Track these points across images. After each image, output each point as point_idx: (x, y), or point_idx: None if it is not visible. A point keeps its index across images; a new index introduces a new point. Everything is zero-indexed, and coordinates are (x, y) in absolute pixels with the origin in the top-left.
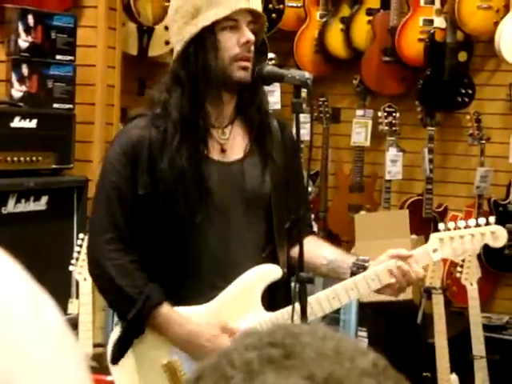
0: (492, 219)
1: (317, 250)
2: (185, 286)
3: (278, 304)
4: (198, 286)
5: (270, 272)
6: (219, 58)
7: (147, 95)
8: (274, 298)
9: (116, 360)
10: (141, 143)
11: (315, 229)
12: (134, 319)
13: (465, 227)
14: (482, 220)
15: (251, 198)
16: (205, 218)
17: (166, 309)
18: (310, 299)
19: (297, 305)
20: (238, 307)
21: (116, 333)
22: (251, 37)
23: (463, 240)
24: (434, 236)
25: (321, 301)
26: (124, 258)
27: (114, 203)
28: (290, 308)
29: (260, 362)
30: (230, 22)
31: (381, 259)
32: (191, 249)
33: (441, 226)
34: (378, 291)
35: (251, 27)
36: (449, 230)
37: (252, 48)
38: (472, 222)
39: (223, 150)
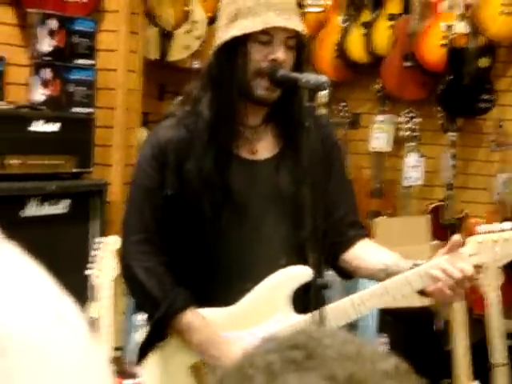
0: None
1: (374, 254)
2: (212, 287)
3: (312, 307)
4: (226, 288)
5: (299, 274)
6: (245, 70)
7: (185, 89)
8: (308, 300)
9: (140, 361)
10: (169, 144)
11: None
12: (157, 323)
13: (501, 230)
14: None
15: (280, 198)
16: (231, 218)
17: (189, 314)
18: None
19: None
20: (264, 309)
21: (142, 334)
22: (281, 56)
23: (506, 243)
24: (472, 239)
25: (371, 296)
26: (153, 260)
27: (144, 205)
28: (315, 313)
29: (282, 364)
30: (264, 37)
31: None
32: (218, 250)
33: (482, 228)
34: (429, 295)
35: (289, 43)
36: (490, 232)
37: (284, 65)
38: (508, 225)
39: (254, 150)
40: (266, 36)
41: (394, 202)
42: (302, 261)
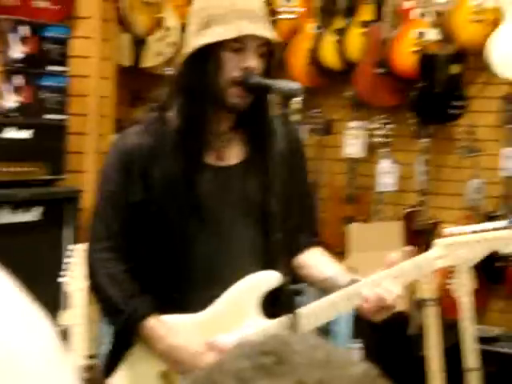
0: (503, 223)
1: (318, 264)
2: (180, 294)
3: (281, 313)
4: (194, 295)
5: (267, 279)
6: (218, 78)
7: (150, 97)
8: (277, 305)
9: (108, 372)
10: (135, 150)
11: None
12: (121, 331)
13: (472, 232)
14: (489, 224)
15: (247, 204)
16: (198, 225)
17: (152, 322)
18: (304, 310)
19: (285, 317)
20: (233, 316)
21: (107, 344)
22: (252, 64)
23: (471, 246)
24: (439, 242)
25: (308, 315)
26: (116, 267)
27: (108, 212)
28: (276, 321)
29: (252, 370)
30: (236, 44)
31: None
32: (185, 257)
33: (446, 231)
34: (361, 312)
35: (261, 50)
36: (454, 235)
37: (255, 73)
38: (480, 226)
39: (221, 156)
40: (238, 44)
41: (367, 208)
42: (270, 266)
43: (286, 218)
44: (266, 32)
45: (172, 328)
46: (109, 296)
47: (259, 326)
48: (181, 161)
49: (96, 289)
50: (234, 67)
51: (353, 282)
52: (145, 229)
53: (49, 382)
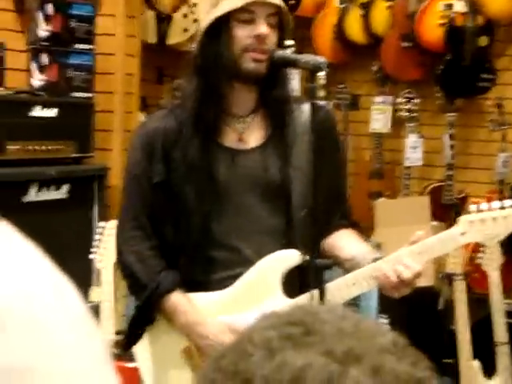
0: None
1: (345, 244)
2: (202, 273)
3: (303, 289)
4: (215, 275)
5: (287, 257)
6: (231, 49)
7: (175, 84)
8: (301, 284)
9: (128, 345)
10: (156, 133)
11: None
12: (143, 306)
13: (499, 208)
14: None
15: (266, 186)
16: (216, 207)
17: (175, 297)
18: (329, 286)
19: (315, 292)
20: (254, 294)
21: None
22: (264, 30)
23: (496, 222)
24: (463, 218)
25: (331, 291)
26: (141, 245)
27: (133, 193)
28: (307, 295)
29: (279, 340)
30: (245, 15)
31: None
32: (205, 238)
33: (472, 207)
34: (382, 289)
35: (271, 20)
36: (480, 211)
37: (268, 41)
38: (508, 202)
39: (241, 139)
40: (247, 14)
41: (394, 183)
42: (291, 246)
43: (310, 198)
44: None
45: (194, 304)
46: (134, 272)
47: (281, 305)
48: (198, 143)
49: (122, 266)
50: (245, 36)
51: (376, 260)
52: (168, 209)
53: (79, 355)
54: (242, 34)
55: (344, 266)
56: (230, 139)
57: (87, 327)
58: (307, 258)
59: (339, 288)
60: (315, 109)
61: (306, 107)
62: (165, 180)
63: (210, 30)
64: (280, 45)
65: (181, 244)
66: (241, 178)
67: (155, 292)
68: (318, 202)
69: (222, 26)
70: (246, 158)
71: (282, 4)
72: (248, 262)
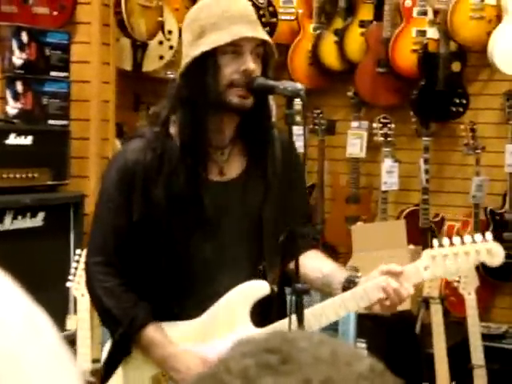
0: (489, 236)
1: (314, 263)
2: (177, 304)
3: (273, 320)
4: (191, 304)
5: (257, 288)
6: (217, 83)
7: (151, 110)
8: (268, 313)
9: (106, 378)
10: (135, 167)
11: None
12: (120, 341)
13: (460, 244)
14: (478, 237)
15: (247, 215)
16: (201, 239)
17: (149, 331)
18: (313, 309)
19: (292, 317)
20: (224, 323)
21: (106, 351)
22: (251, 66)
23: (457, 258)
24: (426, 253)
25: (308, 317)
26: (112, 281)
27: (107, 228)
28: (282, 322)
29: (257, 368)
30: (232, 48)
31: (372, 275)
32: (185, 269)
33: (435, 242)
34: (369, 308)
35: (257, 51)
36: (442, 246)
37: (254, 75)
38: (468, 238)
39: (222, 171)
40: (234, 47)
41: (371, 208)
42: (263, 273)
43: (282, 223)
44: (260, 33)
45: (168, 337)
46: (106, 308)
47: (250, 334)
48: (185, 176)
49: (94, 301)
50: (232, 71)
51: (350, 276)
52: (144, 243)
53: (52, 379)
54: (229, 69)
55: (314, 285)
56: (211, 172)
57: (60, 357)
58: (275, 288)
59: (324, 311)
60: (283, 139)
61: (276, 136)
62: (143, 216)
63: (196, 62)
64: (265, 74)
65: (156, 276)
66: (224, 210)
67: (130, 327)
68: (291, 227)
69: (207, 60)
70: (228, 190)
71: (267, 37)
72: (222, 291)
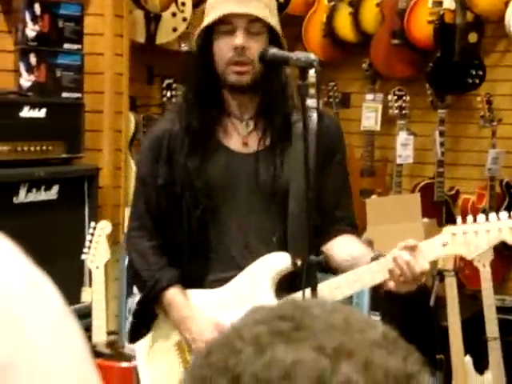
0: None
1: (346, 247)
2: (201, 273)
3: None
4: (212, 275)
5: (279, 260)
6: (216, 62)
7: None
8: (292, 289)
9: (132, 340)
10: (163, 136)
11: None
12: (143, 301)
13: (485, 221)
14: (503, 214)
15: (265, 190)
16: (221, 209)
17: (171, 293)
18: (330, 282)
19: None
20: (245, 294)
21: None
22: (239, 42)
23: (477, 236)
24: (446, 229)
25: (322, 291)
26: (144, 244)
27: (139, 194)
28: (297, 294)
29: (269, 335)
30: (225, 27)
31: (392, 253)
32: (207, 239)
33: (458, 220)
34: (385, 285)
35: (253, 28)
36: (465, 223)
37: (248, 52)
38: (493, 216)
39: (244, 143)
40: (227, 26)
41: (385, 181)
42: (284, 250)
43: (308, 203)
44: (251, 9)
45: (188, 300)
46: (136, 269)
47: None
48: (203, 146)
49: (130, 264)
50: (226, 50)
51: (376, 256)
52: (170, 209)
53: (57, 352)
54: (223, 48)
55: (343, 268)
56: (233, 142)
57: (65, 323)
58: (299, 261)
59: (340, 284)
60: (323, 123)
61: (313, 115)
62: (169, 182)
63: (201, 41)
64: (277, 47)
65: (182, 244)
66: (241, 181)
67: (153, 288)
68: (316, 208)
69: (207, 39)
70: (247, 161)
71: (263, 13)
72: (241, 265)
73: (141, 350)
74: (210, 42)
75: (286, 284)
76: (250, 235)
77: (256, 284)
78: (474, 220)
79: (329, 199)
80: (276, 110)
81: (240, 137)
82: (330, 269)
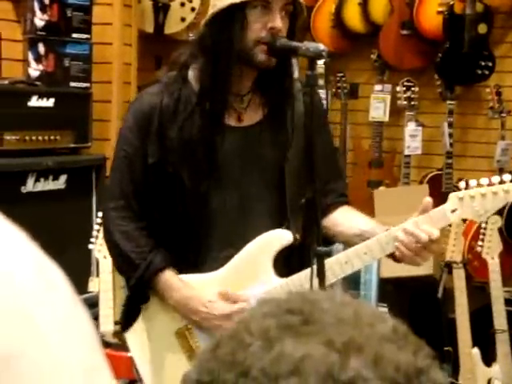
0: None
1: (351, 220)
2: (195, 254)
3: (294, 270)
4: (208, 256)
5: (280, 237)
6: (244, 37)
7: (172, 56)
8: (289, 264)
9: (125, 326)
10: (152, 111)
11: None
12: (136, 285)
13: (488, 185)
14: (507, 176)
15: (264, 164)
16: (214, 186)
17: (167, 274)
18: (339, 256)
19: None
20: (246, 274)
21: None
22: (279, 24)
23: (485, 198)
24: (453, 195)
25: (332, 265)
26: (130, 225)
27: (124, 172)
28: (301, 274)
29: (278, 329)
30: (261, 2)
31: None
32: (202, 217)
33: (461, 184)
34: (396, 260)
35: (286, 9)
36: (469, 188)
37: (280, 34)
38: (496, 178)
39: (240, 118)
40: (264, 2)
41: (393, 172)
42: (286, 225)
43: (307, 178)
44: None
45: (186, 282)
46: (124, 252)
47: (272, 284)
48: (201, 121)
49: (111, 246)
50: (260, 27)
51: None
52: (161, 189)
53: (65, 340)
54: (257, 25)
55: (353, 243)
56: (229, 117)
57: (75, 310)
58: (298, 237)
59: (349, 257)
60: (309, 95)
61: (301, 92)
62: (160, 160)
63: (223, 13)
64: (292, 33)
65: (173, 224)
66: (240, 157)
67: (147, 270)
68: (316, 182)
69: (235, 11)
70: (244, 136)
71: None
72: (242, 242)
73: (136, 345)
74: (234, 15)
75: (282, 258)
76: (250, 211)
77: (257, 263)
78: (478, 184)
79: (320, 171)
80: (272, 85)
81: (235, 112)
82: (330, 242)
